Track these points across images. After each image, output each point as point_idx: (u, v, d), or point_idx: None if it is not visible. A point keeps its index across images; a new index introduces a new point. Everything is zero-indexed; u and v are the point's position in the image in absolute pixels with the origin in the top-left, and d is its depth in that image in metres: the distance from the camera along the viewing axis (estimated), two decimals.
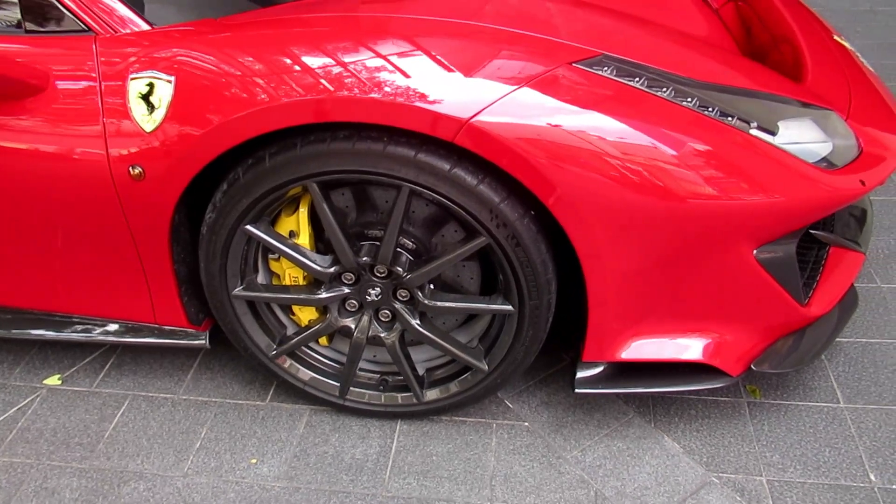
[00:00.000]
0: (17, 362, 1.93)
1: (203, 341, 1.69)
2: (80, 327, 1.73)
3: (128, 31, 1.42)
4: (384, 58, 1.33)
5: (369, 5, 1.57)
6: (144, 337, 1.70)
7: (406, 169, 1.33)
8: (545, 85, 1.30)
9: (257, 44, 1.37)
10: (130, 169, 1.39)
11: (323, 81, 1.30)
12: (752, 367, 1.51)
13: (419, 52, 1.34)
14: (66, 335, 1.73)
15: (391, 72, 1.31)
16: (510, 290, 1.46)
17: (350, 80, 1.29)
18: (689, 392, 1.73)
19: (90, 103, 1.39)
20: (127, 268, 1.56)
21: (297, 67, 1.32)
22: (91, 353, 1.94)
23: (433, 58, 1.33)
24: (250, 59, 1.35)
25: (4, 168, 1.45)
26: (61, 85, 1.41)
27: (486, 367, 1.57)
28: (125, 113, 1.37)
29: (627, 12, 1.77)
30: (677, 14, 1.88)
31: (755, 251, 1.39)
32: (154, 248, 1.51)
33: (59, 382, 1.87)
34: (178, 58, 1.37)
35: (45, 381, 1.88)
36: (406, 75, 1.30)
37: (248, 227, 1.46)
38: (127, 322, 1.70)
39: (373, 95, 1.27)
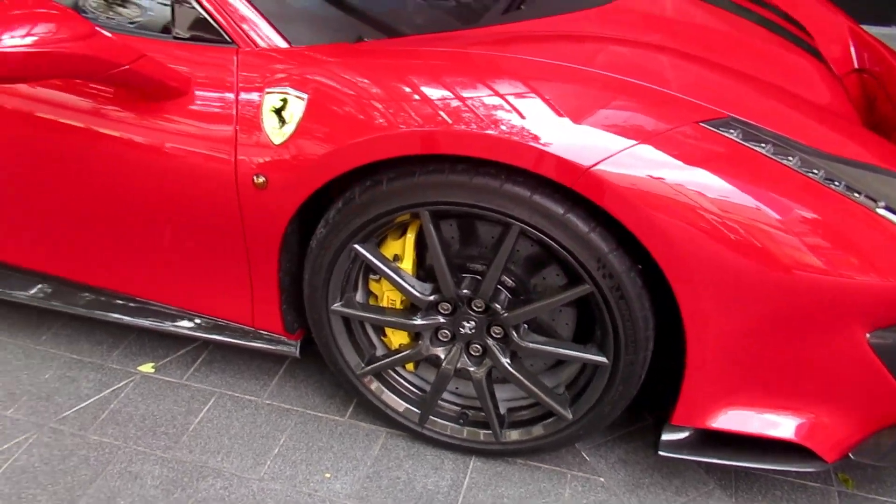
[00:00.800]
0: (116, 346, 2.02)
1: (294, 350, 1.73)
2: (178, 320, 1.80)
3: (267, 46, 1.49)
4: (502, 96, 1.35)
5: (486, 45, 1.59)
6: (238, 338, 1.75)
7: (520, 208, 1.34)
8: (670, 141, 1.29)
9: (384, 72, 1.41)
10: (255, 177, 1.45)
11: (442, 113, 1.32)
12: (851, 455, 1.44)
13: (535, 94, 1.35)
14: (163, 326, 1.80)
15: (508, 111, 1.33)
16: (606, 342, 1.44)
17: (468, 114, 1.32)
18: (778, 472, 1.66)
19: (225, 111, 1.46)
20: (235, 270, 1.62)
21: (418, 97, 1.36)
22: (184, 346, 2.02)
23: (550, 101, 1.34)
24: (377, 86, 1.39)
25: (138, 161, 1.53)
26: (200, 91, 1.48)
27: (571, 415, 1.55)
28: (257, 124, 1.43)
29: (747, 72, 1.74)
30: (799, 77, 1.84)
31: (868, 335, 1.33)
32: (264, 255, 1.56)
33: (153, 370, 1.95)
34: (312, 77, 1.42)
35: (139, 368, 1.95)
36: (522, 115, 1.31)
37: (357, 246, 1.49)
38: (225, 321, 1.76)
39: (491, 132, 1.29)
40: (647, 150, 1.27)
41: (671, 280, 1.31)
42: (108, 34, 1.38)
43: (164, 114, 1.50)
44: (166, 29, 1.55)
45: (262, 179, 1.45)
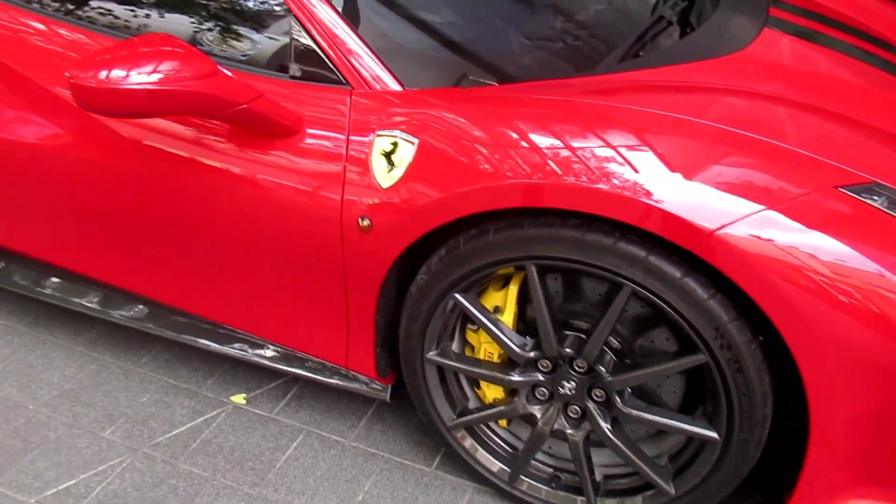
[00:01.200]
0: (210, 373, 2.05)
1: (385, 394, 1.70)
2: (268, 352, 1.80)
3: (381, 89, 1.48)
4: (614, 148, 1.29)
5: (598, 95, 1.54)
6: (330, 377, 1.73)
7: (633, 269, 1.26)
8: (804, 207, 1.19)
9: (495, 120, 1.38)
10: (360, 220, 1.43)
11: (551, 164, 1.28)
12: None
13: (648, 147, 1.28)
14: (252, 357, 1.80)
15: (621, 164, 1.26)
16: (718, 416, 1.33)
17: (578, 166, 1.26)
18: None
19: (335, 152, 1.45)
20: (331, 309, 1.60)
21: (527, 147, 1.32)
22: (276, 379, 2.02)
23: (663, 155, 1.27)
24: (487, 134, 1.36)
25: (244, 194, 1.55)
26: (312, 130, 1.49)
27: (673, 491, 1.44)
28: (366, 166, 1.42)
29: (877, 125, 1.60)
30: None
31: None
32: (362, 297, 1.54)
33: (244, 402, 1.95)
34: (424, 122, 1.40)
35: (232, 398, 1.96)
36: (636, 170, 1.25)
37: (458, 295, 1.45)
38: (317, 358, 1.74)
39: (602, 187, 1.22)
40: (779, 217, 1.18)
41: (797, 356, 1.20)
42: (229, 73, 1.40)
43: (274, 151, 1.51)
44: (278, 65, 1.57)
45: (366, 222, 1.43)
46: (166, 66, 1.33)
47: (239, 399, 1.96)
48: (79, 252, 1.92)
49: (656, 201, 1.21)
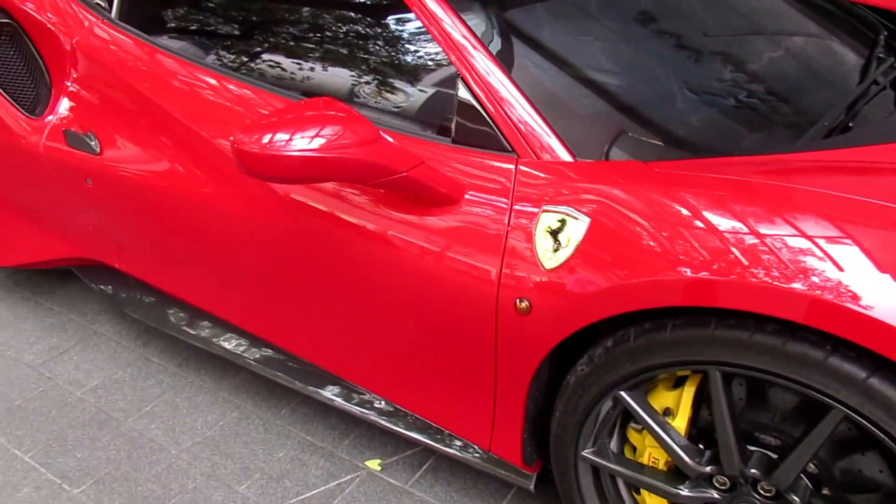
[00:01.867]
0: (347, 434, 1.98)
1: (529, 484, 1.55)
2: (409, 422, 1.71)
3: (549, 158, 1.36)
4: (811, 239, 1.08)
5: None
6: (470, 456, 1.61)
7: (848, 391, 1.05)
8: None
9: (679, 202, 1.21)
10: (518, 301, 1.30)
11: (738, 256, 1.09)
12: None
13: (850, 241, 1.07)
14: (391, 426, 1.72)
15: (820, 258, 1.06)
16: None
17: (768, 258, 1.07)
18: None
19: (496, 225, 1.34)
20: (478, 389, 1.48)
21: (711, 234, 1.14)
22: (412, 447, 1.92)
23: (873, 253, 1.05)
24: (669, 219, 1.19)
25: (393, 261, 1.47)
26: (471, 200, 1.39)
27: None
28: (528, 243, 1.30)
29: None
30: None
31: None
32: (513, 381, 1.41)
33: (379, 468, 1.87)
34: (598, 198, 1.26)
35: (366, 462, 1.88)
36: (840, 268, 1.04)
37: (623, 393, 1.29)
38: (458, 437, 1.63)
39: (798, 287, 1.03)
40: None
41: None
42: (390, 139, 1.33)
43: (430, 219, 1.42)
44: (438, 127, 1.48)
45: (525, 304, 1.30)
46: (329, 133, 1.27)
47: (374, 465, 1.88)
48: (225, 300, 1.92)
49: (865, 308, 1.00)
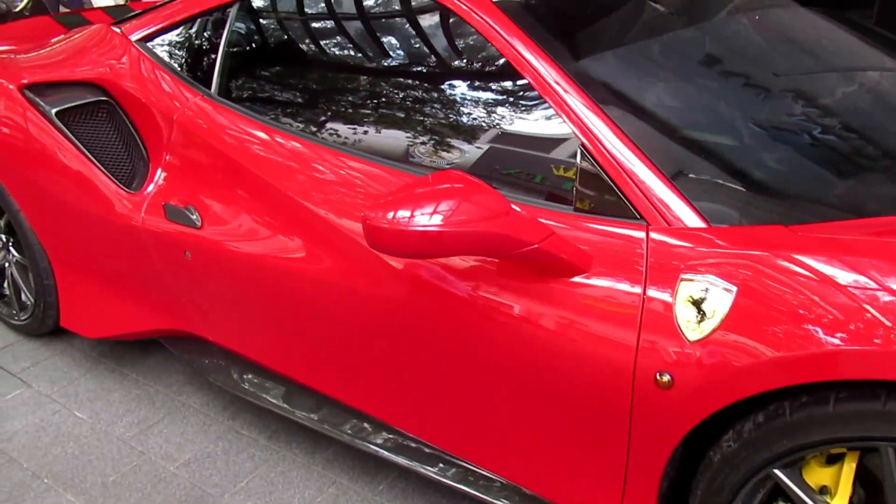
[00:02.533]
0: None
1: None
2: (518, 498, 1.64)
3: (681, 225, 1.32)
4: None
5: None
6: None
7: None
8: None
9: (842, 267, 1.15)
10: (658, 375, 1.25)
11: None
12: None
13: None
14: (496, 501, 1.65)
15: None
16: None
17: None
18: None
19: (629, 296, 1.30)
20: (606, 466, 1.42)
21: (876, 302, 1.08)
22: None
23: None
24: (833, 285, 1.13)
25: (516, 332, 1.43)
26: (602, 269, 1.35)
27: None
28: (668, 314, 1.25)
29: None
30: None
31: None
32: (648, 459, 1.34)
33: None
34: (744, 266, 1.21)
35: None
36: None
37: (778, 471, 1.21)
38: None
39: None
40: None
41: None
42: (519, 209, 1.30)
43: (556, 290, 1.38)
44: (560, 194, 1.46)
45: (666, 378, 1.24)
46: (461, 207, 1.25)
47: None
48: (327, 374, 1.89)
49: None
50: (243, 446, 2.19)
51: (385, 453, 1.80)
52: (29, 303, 2.65)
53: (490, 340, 1.46)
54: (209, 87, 2.04)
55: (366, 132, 1.77)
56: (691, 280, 1.24)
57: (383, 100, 1.80)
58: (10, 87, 2.24)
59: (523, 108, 1.57)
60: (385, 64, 1.85)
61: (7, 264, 2.69)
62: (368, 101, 1.82)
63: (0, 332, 2.79)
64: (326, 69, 1.96)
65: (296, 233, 1.77)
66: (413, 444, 1.80)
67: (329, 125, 1.83)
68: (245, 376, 2.11)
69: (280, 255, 1.79)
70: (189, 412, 2.34)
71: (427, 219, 1.24)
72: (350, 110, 1.83)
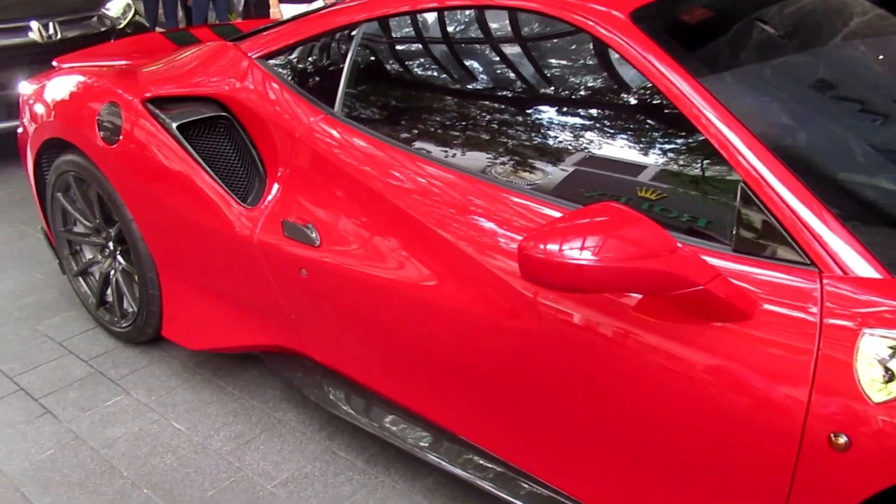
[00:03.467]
0: None
1: None
2: None
3: (857, 274, 1.23)
4: None
5: None
6: None
7: None
8: None
9: None
10: (833, 435, 1.15)
11: None
12: None
13: None
14: None
15: None
16: None
17: None
18: None
19: (802, 346, 1.21)
20: None
21: None
22: None
23: None
24: None
25: (668, 377, 1.35)
26: (769, 317, 1.26)
27: None
28: (847, 371, 1.16)
29: None
30: None
31: None
32: None
33: None
34: None
35: None
36: None
37: None
38: None
39: None
40: None
41: None
42: (680, 245, 1.23)
43: (715, 334, 1.30)
44: (706, 228, 1.38)
45: (843, 440, 1.15)
46: (626, 241, 1.19)
47: None
48: (444, 403, 1.84)
49: None
50: (341, 468, 2.15)
51: (503, 494, 1.73)
52: (131, 311, 2.68)
53: (632, 383, 1.39)
54: (332, 106, 2.03)
55: (501, 158, 1.72)
56: (876, 336, 1.15)
57: (517, 125, 1.75)
58: (134, 100, 2.27)
59: (675, 145, 1.51)
60: (521, 87, 1.81)
61: (112, 272, 2.73)
62: (499, 127, 1.78)
63: (101, 337, 2.83)
64: (454, 93, 1.93)
65: (421, 257, 1.73)
66: (529, 486, 1.72)
67: (457, 150, 1.80)
68: (350, 399, 2.08)
69: (403, 279, 1.75)
70: (285, 429, 2.32)
71: (589, 253, 1.19)
72: (481, 136, 1.79)
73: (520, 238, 1.47)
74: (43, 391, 2.52)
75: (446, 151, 1.81)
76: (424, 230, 1.71)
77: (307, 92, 2.10)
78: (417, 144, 1.86)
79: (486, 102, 1.84)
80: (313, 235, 1.92)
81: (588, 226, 1.21)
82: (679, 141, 1.50)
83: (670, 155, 1.53)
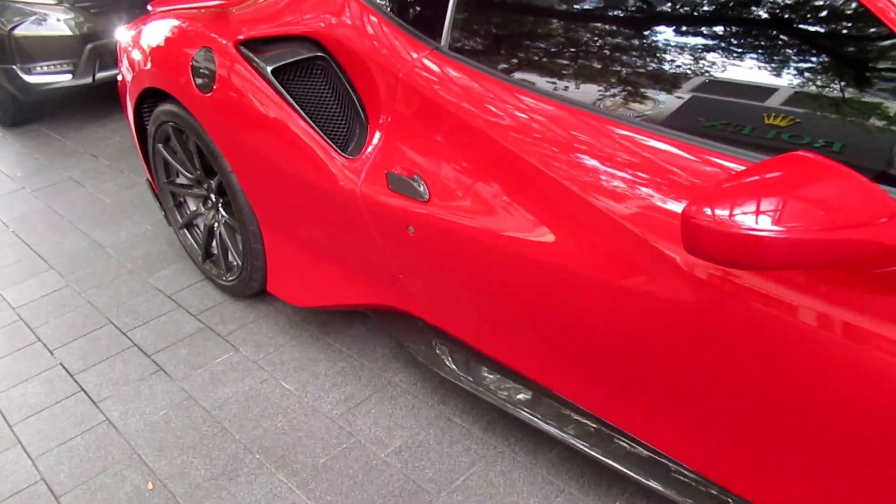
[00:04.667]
0: None
1: None
2: None
3: None
4: None
5: None
6: None
7: None
8: None
9: None
10: None
11: None
12: None
13: None
14: None
15: None
16: None
17: None
18: None
19: None
20: None
21: None
22: None
23: None
24: None
25: (867, 364, 1.09)
26: None
27: None
28: None
29: None
30: None
31: None
32: None
33: None
34: None
35: None
36: None
37: None
38: None
39: None
40: None
41: None
42: None
43: None
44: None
45: None
46: (824, 205, 0.92)
47: None
48: (570, 372, 1.64)
49: None
50: (457, 436, 2.01)
51: (629, 472, 1.54)
52: (236, 264, 2.60)
53: (807, 366, 1.14)
54: (438, 40, 1.80)
55: (647, 95, 1.45)
56: None
57: (660, 53, 1.46)
58: (227, 44, 2.12)
59: (811, 62, 1.20)
60: (663, 9, 1.51)
61: (216, 224, 2.65)
62: (641, 57, 1.49)
63: (209, 290, 2.79)
64: (584, 18, 1.65)
65: (546, 213, 1.51)
66: (665, 464, 1.51)
67: (588, 85, 1.54)
68: (467, 363, 1.91)
69: (524, 237, 1.53)
70: (397, 392, 2.19)
71: (771, 220, 0.93)
72: (615, 68, 1.52)
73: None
74: (155, 346, 2.50)
75: (575, 89, 1.55)
76: (548, 182, 1.48)
77: (410, 25, 1.88)
78: (540, 82, 1.61)
79: (623, 28, 1.56)
80: (421, 189, 1.72)
81: (774, 183, 0.95)
82: (816, 59, 1.19)
83: (806, 75, 1.22)
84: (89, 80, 4.49)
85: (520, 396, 1.78)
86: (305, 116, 1.98)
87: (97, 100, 5.02)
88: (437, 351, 1.99)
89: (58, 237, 3.31)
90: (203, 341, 2.50)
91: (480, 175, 1.63)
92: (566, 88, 1.56)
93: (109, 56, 4.45)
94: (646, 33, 1.49)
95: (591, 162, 1.42)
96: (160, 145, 2.67)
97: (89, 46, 4.39)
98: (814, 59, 1.24)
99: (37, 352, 2.53)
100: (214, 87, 2.15)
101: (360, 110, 1.99)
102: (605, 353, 1.49)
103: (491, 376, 1.87)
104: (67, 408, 2.25)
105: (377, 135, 1.90)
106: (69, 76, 4.46)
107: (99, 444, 2.09)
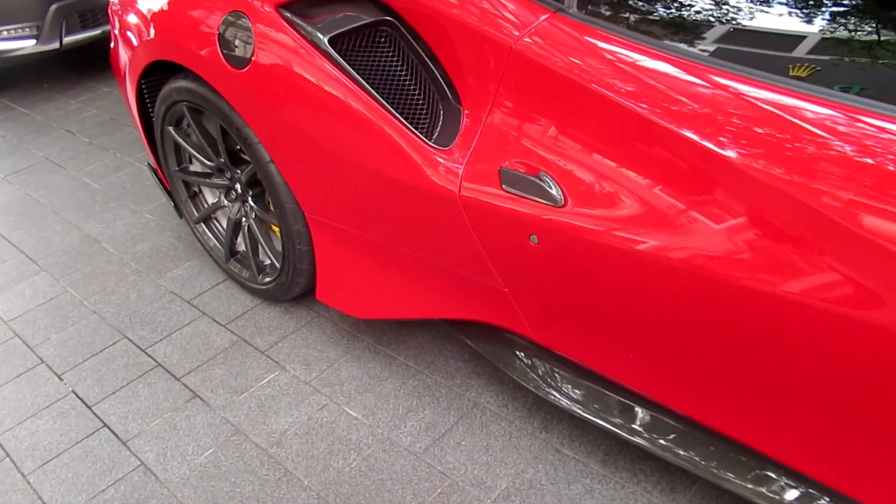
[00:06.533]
0: None
1: None
2: None
3: None
4: None
5: None
6: None
7: None
8: None
9: None
10: None
11: None
12: None
13: None
14: None
15: None
16: None
17: None
18: None
19: None
20: None
21: None
22: None
23: None
24: None
25: None
26: None
27: None
28: None
29: None
30: None
31: None
32: None
33: None
34: None
35: None
36: None
37: None
38: None
39: None
40: None
41: None
42: None
43: None
44: None
45: None
46: None
47: None
48: (729, 406, 1.34)
49: None
50: (572, 473, 1.70)
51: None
52: (268, 263, 2.24)
53: None
54: (562, 1, 1.43)
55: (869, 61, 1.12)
56: None
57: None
58: (264, 7, 1.71)
59: None
60: None
61: (244, 218, 2.26)
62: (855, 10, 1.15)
63: (234, 293, 2.41)
64: None
65: (751, 230, 1.18)
66: None
67: (761, 48, 1.19)
68: (574, 389, 1.60)
69: (711, 256, 1.20)
70: (486, 417, 1.88)
71: None
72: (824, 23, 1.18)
73: None
74: (184, 367, 2.13)
75: (765, 60, 1.21)
76: (737, 177, 1.15)
77: None
78: (717, 48, 1.26)
79: None
80: (552, 191, 1.37)
81: None
82: None
83: None
84: (56, 45, 3.98)
85: (671, 437, 1.48)
86: (379, 97, 1.60)
87: (66, 67, 4.50)
88: (543, 373, 1.67)
89: (44, 231, 2.88)
90: (241, 358, 2.15)
91: (635, 169, 1.28)
92: (751, 57, 1.22)
93: (77, 17, 3.94)
94: None
95: (821, 159, 1.09)
96: (171, 128, 2.26)
97: (54, 7, 3.88)
98: None
99: (41, 377, 2.15)
100: (252, 59, 1.75)
101: (447, 88, 1.62)
102: (816, 408, 1.19)
103: (615, 406, 1.56)
104: (91, 449, 1.89)
105: (478, 121, 1.54)
106: (32, 41, 3.95)
107: (138, 499, 1.74)
